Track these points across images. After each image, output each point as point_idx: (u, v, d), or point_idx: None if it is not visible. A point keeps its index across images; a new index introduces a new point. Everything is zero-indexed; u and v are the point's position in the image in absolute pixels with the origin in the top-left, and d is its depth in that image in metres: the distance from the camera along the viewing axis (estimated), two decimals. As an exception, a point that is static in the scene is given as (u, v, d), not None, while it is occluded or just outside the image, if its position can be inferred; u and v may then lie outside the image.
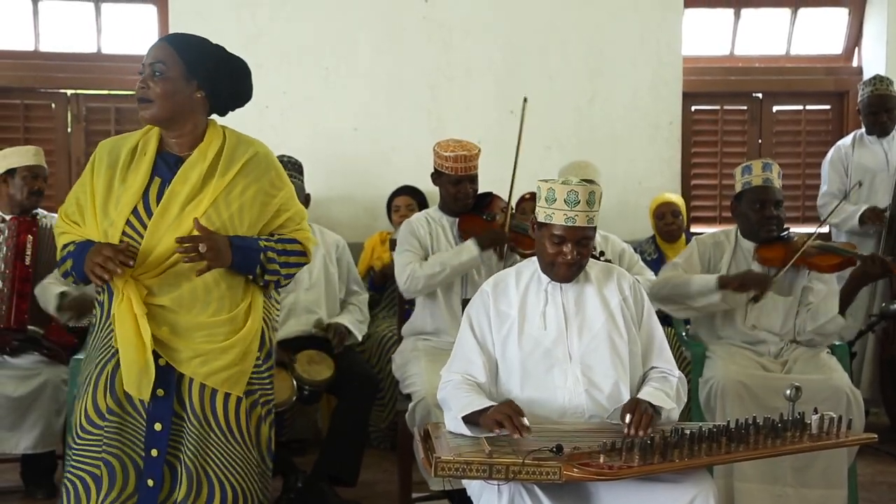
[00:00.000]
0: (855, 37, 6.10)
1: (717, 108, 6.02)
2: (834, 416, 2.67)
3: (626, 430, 2.59)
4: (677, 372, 2.89)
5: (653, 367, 2.88)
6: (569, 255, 2.76)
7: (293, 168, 4.50)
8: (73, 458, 2.64)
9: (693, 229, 5.59)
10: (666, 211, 5.24)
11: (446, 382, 2.82)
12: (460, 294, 3.87)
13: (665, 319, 3.66)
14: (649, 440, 2.42)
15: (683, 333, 4.10)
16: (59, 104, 5.62)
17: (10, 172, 4.18)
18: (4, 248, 4.04)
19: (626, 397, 2.76)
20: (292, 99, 5.43)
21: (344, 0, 5.50)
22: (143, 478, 2.60)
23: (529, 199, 4.86)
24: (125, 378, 2.56)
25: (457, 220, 3.97)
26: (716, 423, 2.66)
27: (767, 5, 6.08)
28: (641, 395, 2.72)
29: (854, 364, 4.56)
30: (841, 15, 6.11)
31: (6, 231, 4.07)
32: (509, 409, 2.59)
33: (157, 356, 2.57)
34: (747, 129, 6.05)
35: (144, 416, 2.60)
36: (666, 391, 2.77)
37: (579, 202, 2.71)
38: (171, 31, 5.14)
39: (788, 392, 2.70)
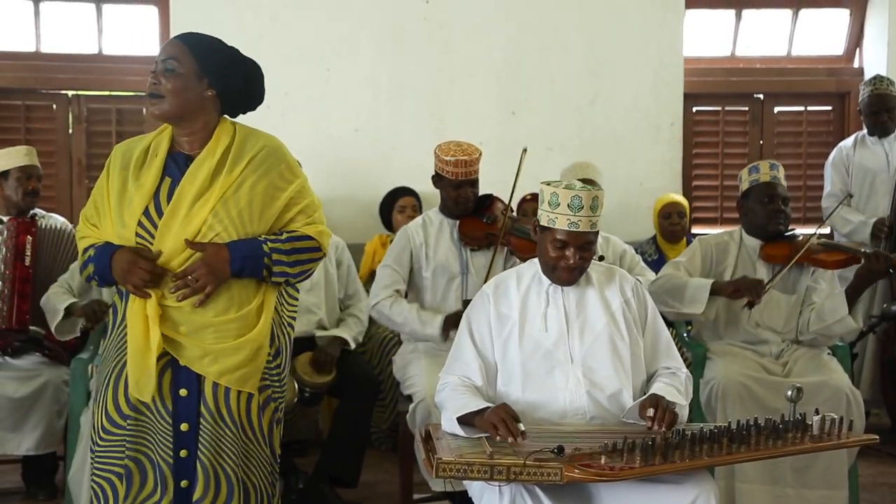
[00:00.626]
0: (856, 38, 6.10)
1: (719, 109, 6.02)
2: (835, 417, 2.67)
3: (648, 426, 2.58)
4: (685, 369, 2.89)
5: (662, 366, 2.88)
6: (571, 260, 2.75)
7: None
8: (97, 460, 2.63)
9: (694, 230, 5.58)
10: (672, 211, 5.25)
11: (444, 384, 2.83)
12: (461, 295, 3.88)
13: (666, 320, 3.66)
14: (650, 441, 2.42)
15: (685, 334, 4.10)
16: (60, 105, 5.63)
17: (4, 174, 4.18)
18: (4, 249, 4.04)
19: (628, 399, 2.76)
20: (294, 100, 5.42)
21: (345, 1, 5.50)
22: (176, 479, 2.57)
23: (531, 200, 4.86)
24: (129, 379, 2.56)
25: (457, 222, 3.97)
26: (717, 424, 2.67)
27: (768, 6, 6.08)
28: (655, 391, 2.71)
29: (855, 365, 4.56)
30: (842, 16, 6.11)
31: (5, 232, 4.07)
32: (504, 412, 2.57)
33: (174, 357, 2.57)
34: (748, 130, 6.04)
35: (170, 418, 2.58)
36: (676, 386, 2.77)
37: (583, 207, 2.70)
38: (173, 32, 5.14)
39: (790, 393, 2.70)
